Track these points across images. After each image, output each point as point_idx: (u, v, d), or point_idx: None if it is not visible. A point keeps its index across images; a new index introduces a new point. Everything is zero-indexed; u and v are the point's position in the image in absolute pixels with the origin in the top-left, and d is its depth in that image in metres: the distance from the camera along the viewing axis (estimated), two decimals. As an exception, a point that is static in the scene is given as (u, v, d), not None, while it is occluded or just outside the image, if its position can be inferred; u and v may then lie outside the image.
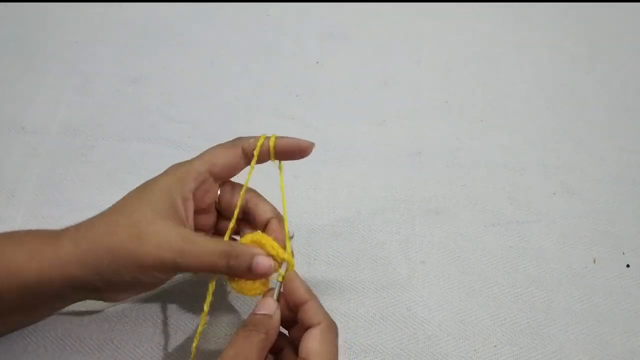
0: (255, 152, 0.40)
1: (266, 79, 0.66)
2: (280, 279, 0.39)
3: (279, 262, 0.39)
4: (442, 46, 0.71)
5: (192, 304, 0.47)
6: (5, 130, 0.58)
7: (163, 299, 0.47)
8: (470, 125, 0.62)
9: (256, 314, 0.37)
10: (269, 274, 0.38)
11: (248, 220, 0.42)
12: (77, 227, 0.37)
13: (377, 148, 0.60)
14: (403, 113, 0.63)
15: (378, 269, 0.50)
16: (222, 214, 0.43)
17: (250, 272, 0.37)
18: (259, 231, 0.40)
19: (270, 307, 0.37)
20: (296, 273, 0.39)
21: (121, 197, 0.39)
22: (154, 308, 0.46)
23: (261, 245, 0.39)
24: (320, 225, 0.53)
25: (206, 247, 0.37)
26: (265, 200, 0.42)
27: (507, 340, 0.47)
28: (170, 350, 0.45)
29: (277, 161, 0.41)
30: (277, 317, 0.37)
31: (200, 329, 0.39)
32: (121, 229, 0.36)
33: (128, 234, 0.36)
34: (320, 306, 0.38)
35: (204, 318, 0.39)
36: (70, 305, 0.45)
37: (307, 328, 0.36)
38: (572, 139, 0.62)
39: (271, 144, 0.40)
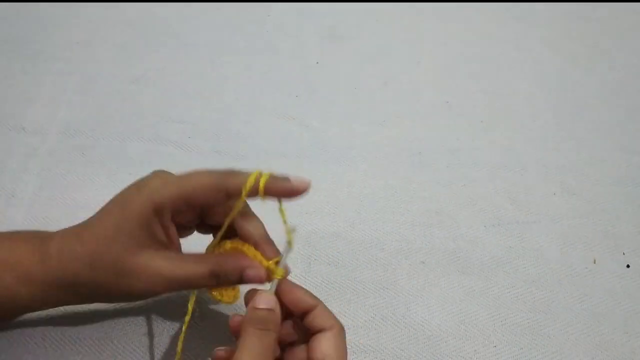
0: (243, 194, 0.36)
1: (266, 79, 0.66)
2: (278, 276, 0.37)
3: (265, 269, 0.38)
4: (442, 46, 0.71)
5: (192, 304, 0.47)
6: (5, 130, 0.58)
7: (163, 300, 0.47)
8: (470, 125, 0.62)
9: (261, 309, 0.36)
10: (262, 282, 0.37)
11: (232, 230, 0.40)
12: (60, 250, 0.37)
13: (377, 148, 0.60)
14: (403, 113, 0.63)
15: (378, 269, 0.50)
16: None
17: (241, 282, 0.37)
18: (238, 239, 0.39)
19: (272, 301, 0.37)
20: (292, 282, 0.39)
21: None
22: (154, 308, 0.46)
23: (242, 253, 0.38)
24: (320, 225, 0.53)
25: (195, 271, 0.36)
26: (255, 216, 0.40)
27: (507, 341, 0.47)
28: (170, 350, 0.45)
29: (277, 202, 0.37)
30: (278, 311, 0.37)
31: (184, 327, 0.40)
32: (106, 265, 0.36)
33: (113, 271, 0.36)
34: (328, 309, 0.38)
35: (187, 321, 0.40)
36: (71, 306, 0.45)
37: (316, 332, 0.36)
38: (573, 139, 0.62)
39: (261, 184, 0.35)
